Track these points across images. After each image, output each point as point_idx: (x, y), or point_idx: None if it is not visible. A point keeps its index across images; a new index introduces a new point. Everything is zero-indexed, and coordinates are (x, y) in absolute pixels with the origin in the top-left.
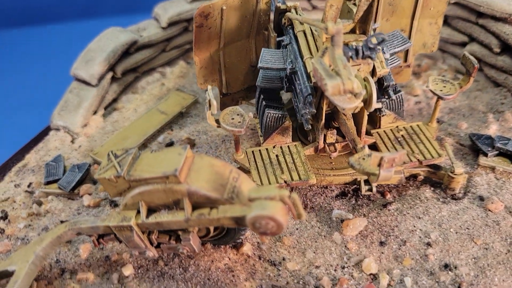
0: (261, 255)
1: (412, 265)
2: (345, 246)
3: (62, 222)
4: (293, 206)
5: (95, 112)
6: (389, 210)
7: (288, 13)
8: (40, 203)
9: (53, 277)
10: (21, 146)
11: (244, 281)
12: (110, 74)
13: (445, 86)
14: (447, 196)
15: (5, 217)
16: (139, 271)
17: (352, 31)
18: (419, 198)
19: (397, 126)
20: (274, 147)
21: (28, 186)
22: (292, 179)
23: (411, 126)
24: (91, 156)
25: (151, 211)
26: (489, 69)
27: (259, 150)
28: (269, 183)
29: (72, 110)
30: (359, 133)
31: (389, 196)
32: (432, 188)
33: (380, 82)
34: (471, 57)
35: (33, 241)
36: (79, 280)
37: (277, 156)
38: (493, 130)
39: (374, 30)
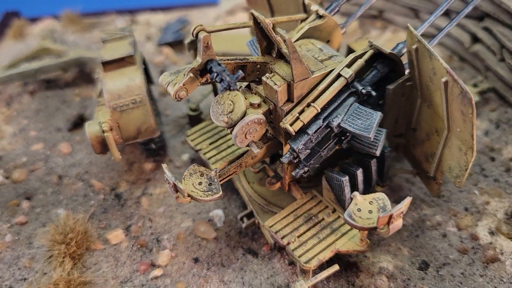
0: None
1: None
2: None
3: None
4: None
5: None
6: (238, 258)
7: None
8: None
9: None
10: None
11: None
12: None
13: (369, 216)
14: None
15: None
16: None
17: None
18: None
19: (334, 208)
20: None
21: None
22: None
23: (344, 222)
24: None
25: None
26: None
27: None
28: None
29: None
30: (284, 179)
31: (265, 250)
32: None
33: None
34: None
35: None
36: None
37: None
38: None
39: (368, 93)
